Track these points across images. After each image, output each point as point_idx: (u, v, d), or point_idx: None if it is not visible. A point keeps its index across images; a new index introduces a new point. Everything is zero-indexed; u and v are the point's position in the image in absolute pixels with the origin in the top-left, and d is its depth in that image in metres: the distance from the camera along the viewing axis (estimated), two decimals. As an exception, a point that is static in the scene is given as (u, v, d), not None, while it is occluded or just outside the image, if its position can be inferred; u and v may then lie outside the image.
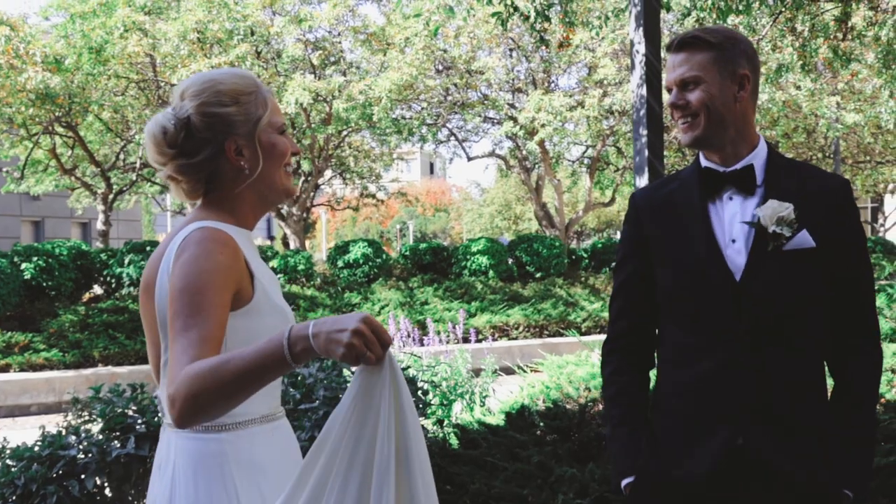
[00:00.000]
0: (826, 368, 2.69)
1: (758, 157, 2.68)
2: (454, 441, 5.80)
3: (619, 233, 58.07)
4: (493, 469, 5.26)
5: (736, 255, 2.62)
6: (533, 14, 8.29)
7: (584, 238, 55.84)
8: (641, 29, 9.04)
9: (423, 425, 5.76)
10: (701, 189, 2.72)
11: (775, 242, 2.56)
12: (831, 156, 26.60)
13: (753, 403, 2.58)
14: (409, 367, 5.85)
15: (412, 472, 1.96)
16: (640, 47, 9.12)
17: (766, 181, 2.65)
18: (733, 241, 2.64)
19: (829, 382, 2.68)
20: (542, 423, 5.76)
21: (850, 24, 11.38)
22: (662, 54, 9.33)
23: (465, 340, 9.44)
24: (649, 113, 9.09)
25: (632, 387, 2.84)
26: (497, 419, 6.09)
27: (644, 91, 9.11)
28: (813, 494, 2.58)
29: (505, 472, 5.18)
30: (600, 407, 5.96)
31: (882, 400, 5.63)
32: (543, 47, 9.75)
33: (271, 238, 56.30)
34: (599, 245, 22.54)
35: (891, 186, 34.72)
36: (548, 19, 8.55)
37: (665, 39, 9.52)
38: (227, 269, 2.15)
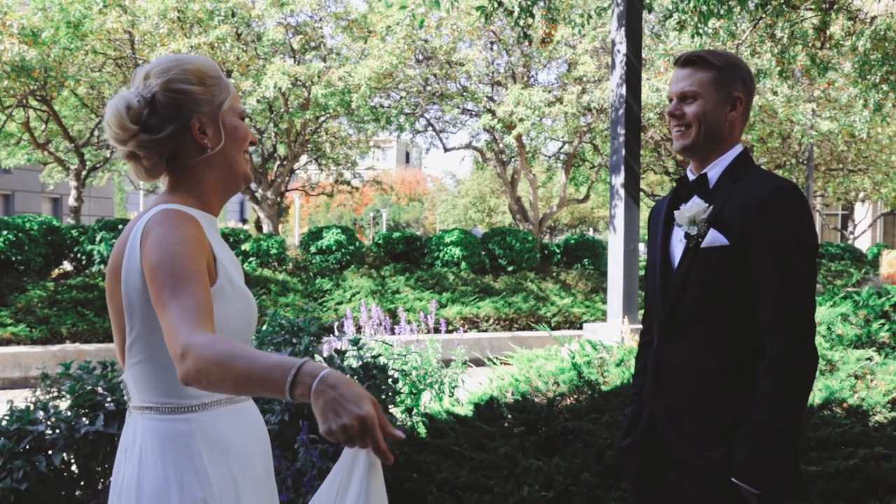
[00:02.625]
0: (756, 362, 2.80)
1: (718, 166, 2.94)
2: (422, 430, 5.84)
3: (591, 229, 58.35)
4: (460, 459, 5.30)
5: (678, 252, 2.94)
6: (517, 9, 8.31)
7: (556, 233, 55.98)
8: (623, 29, 9.09)
9: (391, 413, 5.80)
10: (674, 194, 3.05)
11: (692, 240, 2.85)
12: (805, 162, 26.81)
13: (662, 387, 2.94)
14: (380, 354, 5.85)
15: None
16: (622, 47, 9.18)
17: (716, 187, 2.91)
18: (681, 240, 2.94)
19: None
20: (510, 416, 5.80)
21: (828, 33, 11.48)
22: (644, 54, 9.46)
23: (436, 331, 9.46)
24: (628, 112, 9.16)
25: (646, 369, 3.16)
26: (465, 410, 6.13)
27: (623, 91, 9.17)
28: (714, 479, 2.78)
29: (472, 462, 5.22)
30: (569, 401, 6.02)
31: (844, 405, 5.69)
32: (526, 42, 9.76)
33: (244, 221, 56.08)
34: (572, 241, 22.62)
35: (861, 195, 35.02)
36: (531, 15, 8.58)
37: (646, 40, 9.61)
38: (196, 240, 2.17)
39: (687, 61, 2.96)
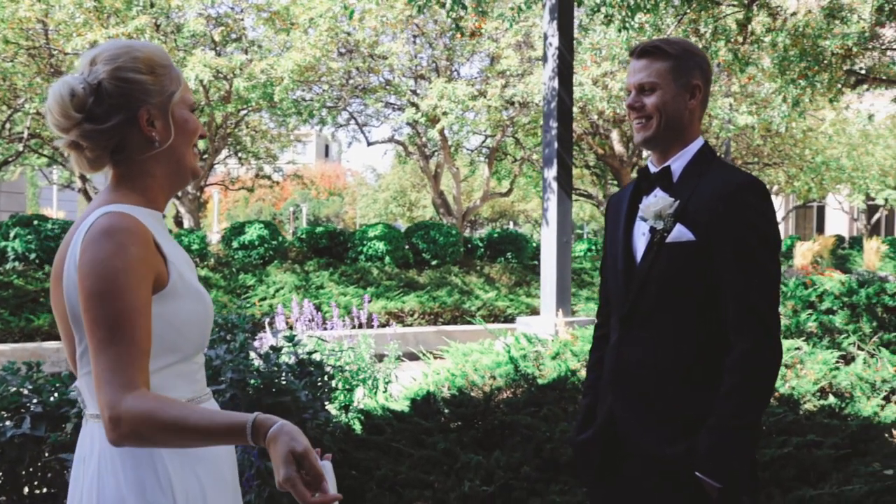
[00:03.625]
0: (718, 358, 2.80)
1: (681, 159, 2.92)
2: (357, 426, 5.78)
3: (512, 223, 58.71)
4: (399, 455, 5.27)
5: (641, 246, 2.91)
6: (449, 1, 8.27)
7: (476, 227, 56.18)
8: (556, 22, 9.11)
9: (327, 410, 5.73)
10: (635, 187, 3.03)
11: (657, 235, 2.82)
12: (722, 156, 27.28)
13: (623, 381, 2.92)
14: (315, 351, 5.79)
15: None
16: (554, 40, 9.20)
17: (679, 180, 2.89)
18: (644, 233, 2.91)
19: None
20: (447, 411, 5.77)
21: (749, 29, 11.68)
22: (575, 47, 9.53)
23: (369, 326, 9.39)
24: (560, 106, 9.18)
25: (600, 362, 3.16)
26: (402, 405, 6.09)
27: (556, 84, 9.20)
28: (676, 473, 2.78)
29: (410, 459, 5.19)
30: (506, 395, 6.02)
31: (776, 394, 5.78)
32: (458, 35, 9.75)
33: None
34: (495, 234, 22.68)
35: (775, 188, 35.78)
36: (464, 7, 8.54)
37: (576, 33, 9.69)
38: (142, 260, 2.06)
39: (643, 52, 2.93)
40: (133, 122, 2.19)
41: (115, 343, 1.97)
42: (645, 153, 26.82)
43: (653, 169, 2.98)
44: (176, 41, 19.46)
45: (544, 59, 9.50)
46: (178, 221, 24.78)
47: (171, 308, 2.14)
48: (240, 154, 27.80)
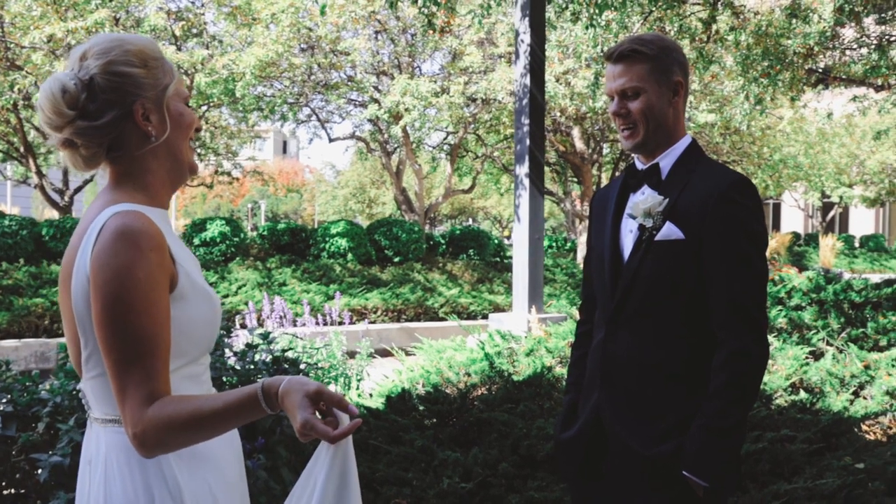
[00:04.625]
0: (705, 357, 2.79)
1: (669, 156, 2.90)
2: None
3: (471, 219, 58.77)
4: (376, 452, 5.26)
5: (629, 243, 2.88)
6: (422, -2, 8.27)
7: (436, 224, 56.19)
8: (528, 19, 9.12)
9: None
10: (622, 184, 2.99)
11: (646, 232, 2.80)
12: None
13: (610, 379, 2.89)
14: (289, 348, 5.75)
15: None
16: (526, 37, 9.21)
17: (668, 178, 2.86)
18: (631, 231, 2.88)
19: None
20: (422, 408, 5.77)
21: (714, 28, 11.79)
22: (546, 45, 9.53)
23: (333, 323, 9.36)
24: (532, 102, 9.20)
25: (583, 359, 3.16)
26: (377, 402, 6.08)
27: (528, 80, 9.21)
28: (662, 472, 2.76)
29: (388, 456, 5.18)
30: (481, 392, 6.03)
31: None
32: (430, 31, 9.74)
33: (117, 212, 54.51)
34: (457, 231, 22.70)
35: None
36: (437, 3, 8.53)
37: (546, 31, 9.70)
38: (160, 266, 2.01)
39: (620, 56, 2.87)
40: (128, 118, 2.13)
41: (141, 358, 1.94)
42: (606, 150, 26.97)
43: (640, 166, 2.95)
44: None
45: (516, 56, 9.51)
46: (138, 218, 24.49)
47: (179, 311, 2.09)
48: (199, 150, 27.58)
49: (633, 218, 2.86)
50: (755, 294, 2.77)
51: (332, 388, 7.27)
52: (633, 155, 3.02)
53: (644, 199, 2.84)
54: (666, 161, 2.89)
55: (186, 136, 2.26)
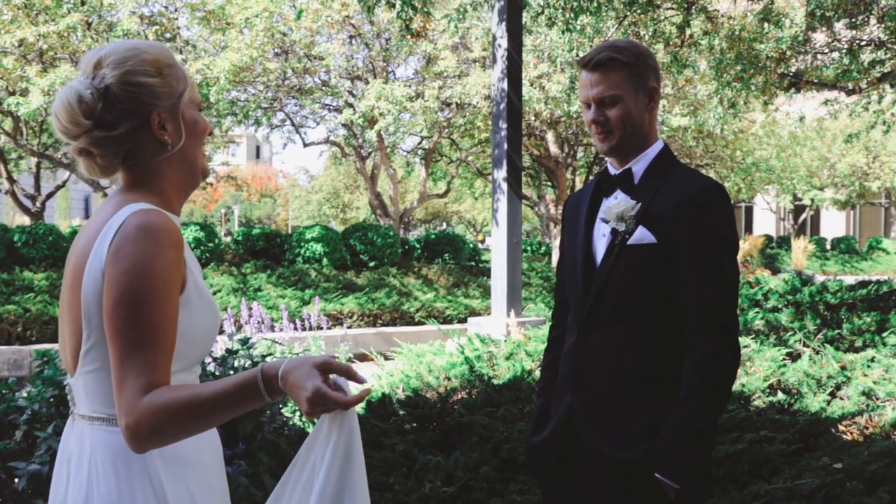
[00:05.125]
0: (677, 361, 2.82)
1: (642, 161, 2.92)
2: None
3: (445, 224, 58.79)
4: (357, 457, 5.24)
5: (601, 248, 2.90)
6: (399, 2, 8.28)
7: (411, 228, 56.19)
8: (504, 24, 9.15)
9: (282, 412, 5.68)
10: (595, 189, 3.02)
11: (619, 237, 2.82)
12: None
13: (582, 383, 2.90)
14: (269, 353, 5.74)
15: None
16: (503, 42, 9.24)
17: (641, 183, 2.89)
18: (604, 235, 2.90)
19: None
20: (402, 412, 5.77)
21: (688, 33, 11.87)
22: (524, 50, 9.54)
23: (312, 328, 9.33)
24: (509, 107, 9.23)
25: (555, 363, 3.17)
26: (357, 407, 6.06)
27: (505, 85, 9.23)
28: (635, 475, 2.78)
29: (369, 461, 5.17)
30: (461, 396, 6.03)
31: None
32: (408, 36, 9.74)
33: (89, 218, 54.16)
34: (432, 236, 22.69)
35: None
36: (414, 8, 8.55)
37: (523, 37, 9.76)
38: (176, 264, 2.03)
39: (597, 64, 2.88)
40: (144, 127, 2.13)
41: (144, 346, 1.93)
42: (580, 154, 27.05)
43: (613, 171, 2.97)
44: (108, 40, 19.14)
45: (493, 60, 9.53)
46: (111, 224, 24.34)
47: (184, 315, 2.09)
48: (172, 156, 27.37)
49: (607, 222, 2.88)
50: (726, 299, 2.79)
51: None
52: (606, 159, 3.04)
53: (617, 203, 2.86)
54: (638, 166, 2.92)
55: (200, 142, 2.27)
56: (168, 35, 20.00)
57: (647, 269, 2.80)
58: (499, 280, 9.82)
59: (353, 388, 2.00)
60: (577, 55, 11.35)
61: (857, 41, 13.59)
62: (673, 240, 2.76)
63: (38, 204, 23.00)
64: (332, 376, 1.96)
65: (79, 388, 2.15)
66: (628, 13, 11.12)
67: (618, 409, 2.84)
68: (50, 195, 23.95)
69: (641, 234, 2.79)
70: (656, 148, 2.94)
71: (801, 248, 32.50)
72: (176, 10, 20.44)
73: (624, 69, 2.85)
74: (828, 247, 41.43)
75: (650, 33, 11.79)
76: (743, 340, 6.53)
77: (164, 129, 2.15)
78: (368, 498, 2.03)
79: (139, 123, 2.12)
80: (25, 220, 25.38)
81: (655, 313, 2.81)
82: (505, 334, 7.93)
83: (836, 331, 7.11)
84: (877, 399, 5.95)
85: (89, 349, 2.08)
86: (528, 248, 28.02)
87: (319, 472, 1.95)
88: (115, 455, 2.07)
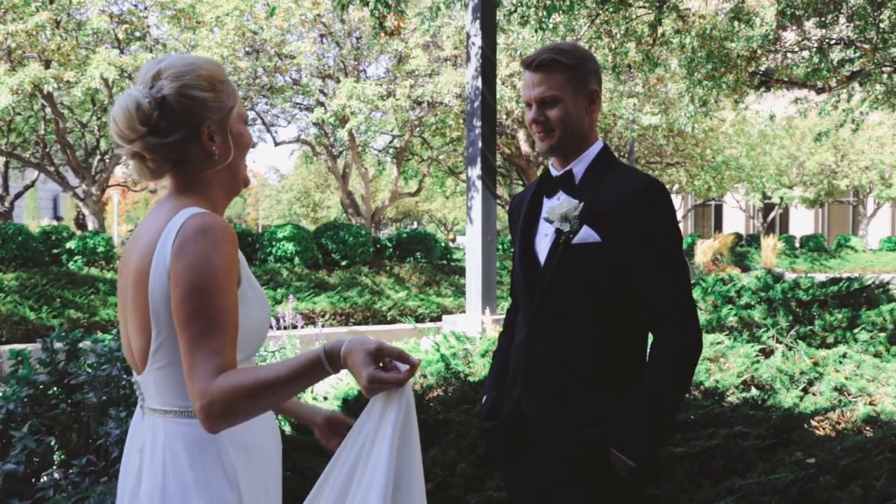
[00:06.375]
0: (625, 353, 2.91)
1: (582, 162, 2.98)
2: (287, 427, 5.73)
3: (416, 223, 58.77)
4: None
5: (545, 248, 2.95)
6: (372, 1, 8.27)
7: (382, 227, 56.14)
8: (478, 22, 9.16)
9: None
10: (536, 190, 3.10)
11: (563, 237, 2.87)
12: (626, 156, 27.77)
13: (530, 379, 2.96)
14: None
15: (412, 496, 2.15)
16: (477, 40, 9.25)
17: (581, 183, 2.94)
18: (546, 234, 2.97)
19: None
20: (378, 410, 5.75)
21: (660, 31, 11.92)
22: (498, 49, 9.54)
23: (287, 328, 9.31)
24: (484, 105, 9.23)
25: (507, 354, 3.23)
26: (332, 405, 6.05)
27: (479, 83, 9.24)
28: (585, 458, 2.82)
29: (346, 459, 5.15)
30: (437, 393, 6.02)
31: (701, 387, 5.91)
32: (382, 34, 9.73)
33: (58, 219, 53.76)
34: (404, 234, 22.69)
35: (676, 187, 36.52)
36: (388, 6, 8.54)
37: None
38: (233, 259, 2.19)
39: (539, 65, 2.93)
40: (194, 137, 2.30)
41: (211, 333, 2.08)
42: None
43: (555, 172, 3.02)
44: (77, 39, 18.99)
45: (467, 58, 9.53)
46: (82, 223, 24.19)
47: (241, 310, 2.23)
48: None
49: (551, 222, 2.92)
50: (682, 287, 2.85)
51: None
52: (549, 161, 3.10)
53: (560, 203, 2.90)
54: (579, 167, 2.97)
55: (244, 154, 2.45)
56: (138, 34, 19.91)
57: (590, 268, 2.85)
58: (473, 278, 9.83)
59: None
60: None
61: (827, 40, 13.71)
62: (619, 238, 2.81)
63: (6, 204, 22.80)
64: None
65: (148, 384, 2.30)
66: (600, 11, 11.17)
67: (564, 404, 2.89)
68: (19, 195, 23.75)
69: (586, 234, 2.84)
70: (595, 148, 3.00)
71: (770, 246, 32.67)
72: (146, 8, 20.34)
73: (565, 71, 2.90)
74: (797, 245, 41.72)
75: (622, 32, 11.85)
76: (716, 337, 6.57)
77: (212, 140, 2.33)
78: (421, 461, 2.19)
79: (190, 134, 2.29)
80: (-7, 220, 25.13)
81: (597, 312, 2.86)
82: (480, 331, 7.94)
83: (809, 327, 7.15)
84: (849, 394, 6.00)
85: (159, 346, 2.23)
86: (501, 246, 28.06)
87: (378, 442, 2.09)
88: (189, 445, 2.23)
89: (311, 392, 7.28)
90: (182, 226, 2.18)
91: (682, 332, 2.80)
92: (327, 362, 2.06)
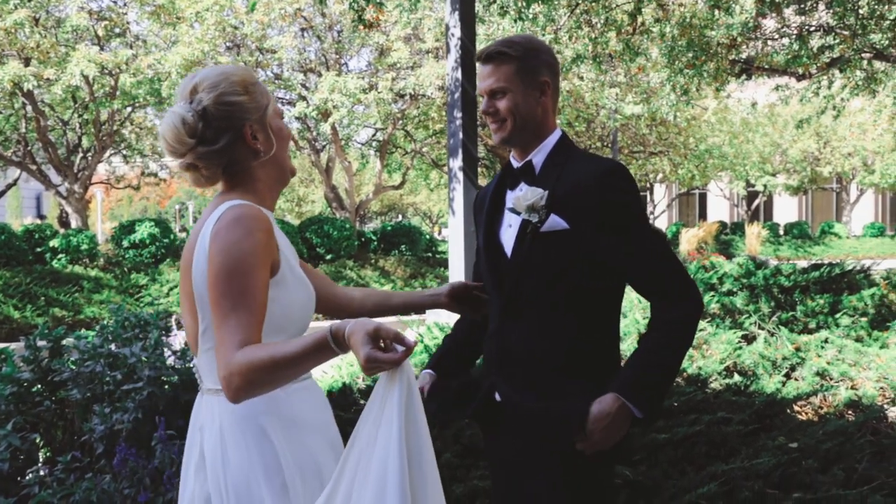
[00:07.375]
0: (595, 342, 2.91)
1: (541, 152, 3.00)
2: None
3: (400, 216, 58.75)
4: (319, 448, 5.24)
5: (509, 238, 2.96)
6: (353, -7, 8.26)
7: (367, 221, 56.08)
8: (457, 13, 9.15)
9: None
10: (499, 182, 3.12)
11: (531, 226, 2.88)
12: (609, 145, 27.80)
13: (503, 370, 2.97)
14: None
15: (423, 476, 2.31)
16: (456, 31, 9.24)
17: (541, 173, 2.96)
18: (510, 225, 2.98)
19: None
20: (363, 402, 5.77)
21: (640, 20, 11.94)
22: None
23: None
24: (464, 96, 9.23)
25: (463, 336, 3.39)
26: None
27: (459, 74, 9.23)
28: (561, 431, 2.82)
29: (331, 451, 5.17)
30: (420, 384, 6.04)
31: (684, 374, 5.94)
32: (361, 27, 9.73)
33: (41, 217, 53.53)
34: (389, 227, 22.70)
35: (659, 176, 36.62)
36: (367, -1, 8.53)
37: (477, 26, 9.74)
38: (265, 245, 2.36)
39: (488, 57, 2.97)
40: (239, 139, 2.51)
41: (237, 310, 2.26)
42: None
43: (515, 164, 3.04)
44: (57, 36, 18.90)
45: (447, 49, 9.53)
46: (65, 221, 24.11)
47: (281, 293, 2.44)
48: (125, 152, 27.16)
49: (517, 213, 2.93)
50: (673, 260, 2.89)
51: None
52: (510, 154, 3.12)
53: (524, 194, 2.91)
54: (538, 157, 2.99)
55: (286, 146, 2.65)
56: (118, 30, 19.83)
57: (559, 256, 2.86)
58: (457, 269, 9.82)
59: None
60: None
61: (807, 27, 13.74)
62: (588, 225, 2.83)
63: (-12, 203, 22.68)
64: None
65: (202, 366, 2.52)
66: (580, 1, 11.18)
67: (542, 391, 2.89)
68: (1, 194, 23.63)
69: (553, 222, 2.85)
70: (553, 138, 3.01)
71: (754, 234, 32.87)
72: (125, 4, 20.24)
73: (513, 62, 2.93)
74: (781, 232, 41.93)
75: (602, 21, 11.86)
76: (699, 324, 6.60)
77: (255, 138, 2.54)
78: (429, 435, 2.36)
79: (235, 136, 2.51)
80: (-25, 220, 25.03)
81: (566, 300, 2.87)
82: (464, 323, 7.93)
83: (791, 313, 7.19)
84: (830, 379, 6.05)
85: (205, 330, 2.45)
86: (485, 237, 28.05)
87: (383, 424, 2.23)
88: (240, 422, 2.42)
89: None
90: (220, 216, 2.38)
91: (683, 296, 2.85)
92: (333, 342, 2.16)
